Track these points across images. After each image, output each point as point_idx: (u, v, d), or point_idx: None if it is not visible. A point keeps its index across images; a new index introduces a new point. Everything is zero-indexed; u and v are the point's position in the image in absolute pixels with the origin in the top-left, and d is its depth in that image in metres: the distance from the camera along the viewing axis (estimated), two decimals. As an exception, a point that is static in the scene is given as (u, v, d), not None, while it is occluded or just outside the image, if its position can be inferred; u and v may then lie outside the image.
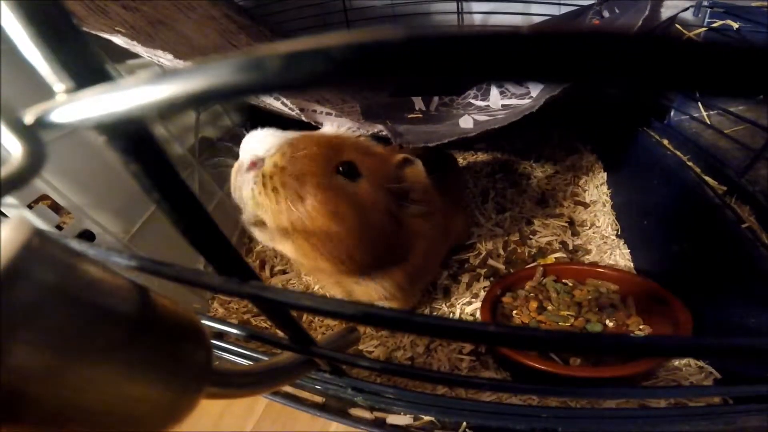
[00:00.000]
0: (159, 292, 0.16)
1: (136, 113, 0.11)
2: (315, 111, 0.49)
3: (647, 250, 0.61)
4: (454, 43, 0.08)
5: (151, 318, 0.15)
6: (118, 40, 0.47)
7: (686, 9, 0.56)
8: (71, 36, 0.11)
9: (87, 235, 0.53)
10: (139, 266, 0.20)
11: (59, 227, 0.51)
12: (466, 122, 0.56)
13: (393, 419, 0.31)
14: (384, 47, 0.08)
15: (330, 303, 0.17)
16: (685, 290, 0.50)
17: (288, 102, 0.48)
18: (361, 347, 0.55)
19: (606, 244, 0.64)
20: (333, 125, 0.45)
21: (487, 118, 0.55)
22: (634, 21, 0.50)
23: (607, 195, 0.72)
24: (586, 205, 0.71)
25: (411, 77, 0.09)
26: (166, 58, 0.47)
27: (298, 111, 0.48)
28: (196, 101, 0.10)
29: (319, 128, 0.48)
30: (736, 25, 0.57)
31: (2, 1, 0.10)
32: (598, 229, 0.67)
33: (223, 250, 0.17)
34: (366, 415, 0.31)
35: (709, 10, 0.61)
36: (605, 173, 0.75)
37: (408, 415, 0.32)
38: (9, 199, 0.48)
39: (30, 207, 0.49)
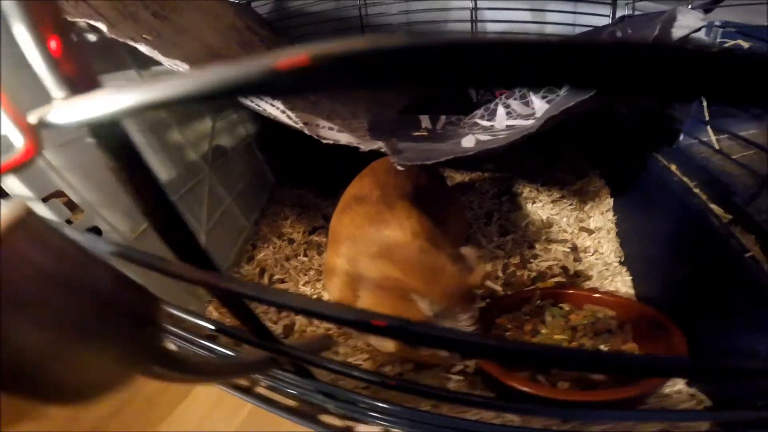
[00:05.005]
0: (129, 275, 0.17)
1: (109, 117, 0.13)
2: (318, 125, 0.51)
3: (650, 277, 0.60)
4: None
5: (119, 297, 0.16)
6: (142, 47, 0.50)
7: (698, 29, 0.55)
8: (70, 49, 0.14)
9: (94, 232, 0.55)
10: (116, 252, 0.21)
11: (69, 222, 0.54)
12: (468, 141, 0.56)
13: (363, 428, 0.31)
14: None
15: (286, 297, 0.18)
16: (687, 318, 0.49)
17: (293, 116, 0.49)
18: (350, 360, 0.55)
19: (608, 271, 0.63)
20: None
21: (489, 137, 0.56)
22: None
23: (612, 222, 0.71)
24: (590, 232, 0.70)
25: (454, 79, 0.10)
26: (183, 68, 0.49)
27: (302, 125, 0.49)
28: (165, 106, 0.12)
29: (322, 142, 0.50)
30: (746, 45, 0.56)
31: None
32: (601, 256, 0.66)
33: (186, 240, 0.18)
34: (336, 422, 0.31)
35: (720, 30, 0.60)
36: (612, 199, 0.75)
37: (378, 427, 0.32)
38: (25, 192, 0.51)
39: (44, 200, 0.52)
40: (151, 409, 0.55)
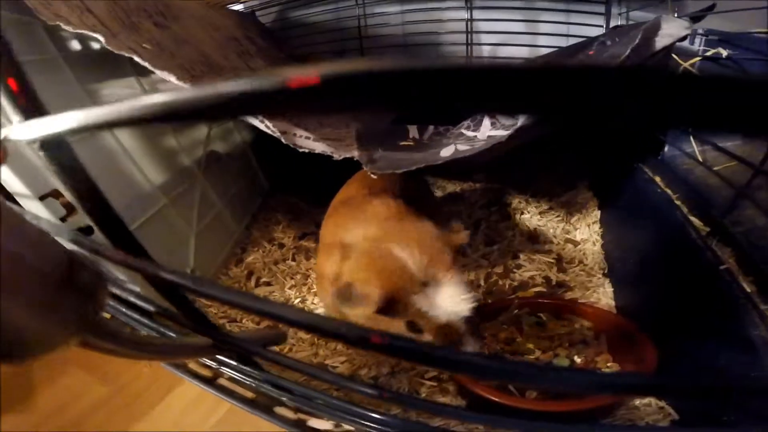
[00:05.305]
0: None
1: (53, 136, 0.17)
2: (295, 135, 0.52)
3: (631, 288, 0.60)
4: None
5: (71, 276, 0.18)
6: (137, 58, 0.52)
7: (683, 39, 0.54)
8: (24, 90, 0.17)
9: (87, 230, 0.57)
10: (72, 239, 0.23)
11: (63, 220, 0.56)
12: (447, 151, 0.57)
13: (314, 423, 0.32)
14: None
15: (216, 289, 0.19)
16: (665, 330, 0.49)
17: (270, 125, 0.50)
18: (327, 362, 0.56)
19: (591, 282, 0.63)
20: None
21: (467, 147, 0.57)
22: (623, 51, 0.50)
23: (598, 234, 0.71)
24: (575, 243, 0.70)
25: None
26: (170, 79, 0.50)
27: (279, 134, 0.50)
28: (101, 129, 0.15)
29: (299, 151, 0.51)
30: (725, 53, 0.56)
31: None
32: (585, 267, 0.66)
33: (119, 230, 0.20)
34: (289, 414, 0.32)
35: (703, 38, 0.60)
36: (599, 211, 0.75)
37: (330, 422, 0.32)
38: (23, 190, 0.54)
39: (42, 199, 0.55)
40: (133, 405, 0.56)
